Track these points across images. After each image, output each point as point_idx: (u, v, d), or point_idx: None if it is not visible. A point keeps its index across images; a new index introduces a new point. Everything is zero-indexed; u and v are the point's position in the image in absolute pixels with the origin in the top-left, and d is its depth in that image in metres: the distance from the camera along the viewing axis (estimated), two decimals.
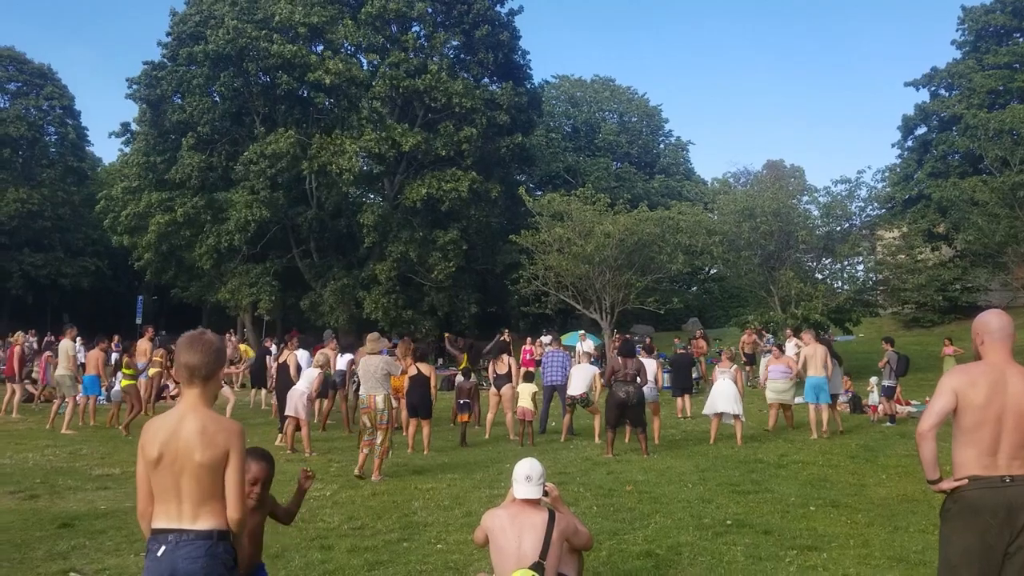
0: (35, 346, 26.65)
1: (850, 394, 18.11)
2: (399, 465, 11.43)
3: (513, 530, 4.53)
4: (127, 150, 40.62)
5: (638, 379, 12.21)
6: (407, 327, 33.47)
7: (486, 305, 39.06)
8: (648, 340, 23.92)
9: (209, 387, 3.42)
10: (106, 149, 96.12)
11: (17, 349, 18.14)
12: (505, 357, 15.07)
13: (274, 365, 16.26)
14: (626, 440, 13.06)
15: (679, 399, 17.71)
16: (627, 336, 18.62)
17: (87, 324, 39.42)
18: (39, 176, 47.89)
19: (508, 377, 14.62)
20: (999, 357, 4.10)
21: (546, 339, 23.78)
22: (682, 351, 20.41)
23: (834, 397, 14.66)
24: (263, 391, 18.85)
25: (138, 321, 37.28)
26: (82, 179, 51.07)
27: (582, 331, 26.95)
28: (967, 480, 3.98)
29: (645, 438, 12.22)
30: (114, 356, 24.69)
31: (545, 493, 4.69)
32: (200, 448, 3.25)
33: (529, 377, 14.49)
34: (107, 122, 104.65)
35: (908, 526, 7.67)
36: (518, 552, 4.46)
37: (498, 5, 37.15)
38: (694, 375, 22.38)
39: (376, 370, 10.45)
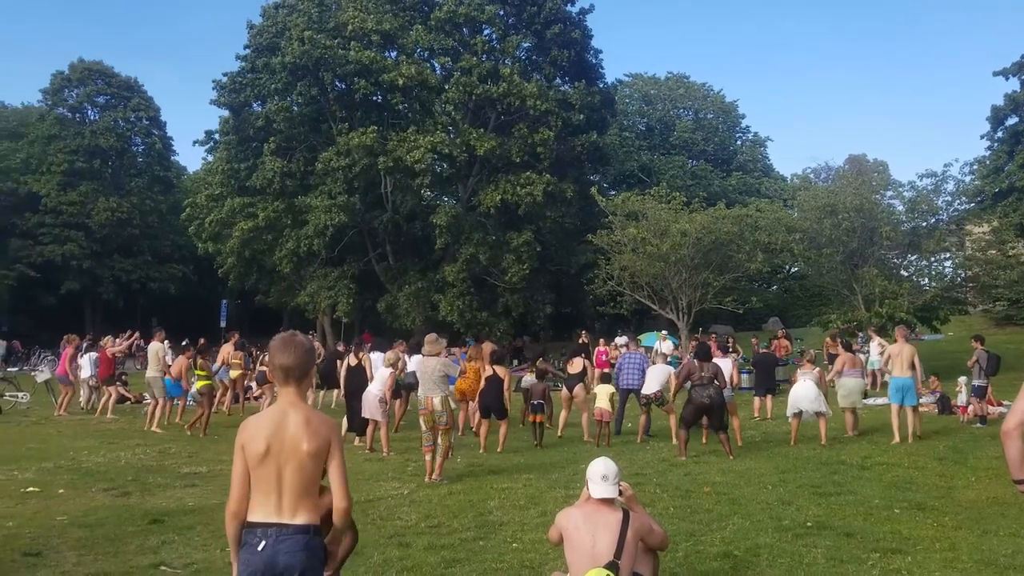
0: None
1: (938, 394, 17.55)
2: (475, 465, 11.53)
3: (588, 529, 4.54)
4: (210, 158, 41.90)
5: (715, 381, 11.97)
6: (482, 329, 33.68)
7: (561, 306, 39.03)
8: (729, 340, 23.62)
9: (304, 385, 3.55)
10: (190, 158, 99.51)
11: (107, 352, 18.78)
12: (577, 358, 14.97)
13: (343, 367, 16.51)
14: (703, 442, 12.88)
15: (759, 399, 17.39)
16: (701, 338, 18.33)
17: (175, 328, 40.74)
18: (128, 185, 49.88)
19: (580, 377, 14.50)
20: None
21: (621, 340, 23.59)
22: (765, 350, 19.95)
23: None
24: (334, 392, 19.03)
25: (222, 325, 38.40)
26: (168, 188, 52.93)
27: (663, 331, 26.66)
28: None
29: (728, 439, 11.99)
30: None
31: (620, 493, 4.69)
32: (307, 438, 3.38)
33: (606, 378, 14.42)
34: (191, 132, 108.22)
35: (998, 529, 7.39)
36: (593, 551, 4.46)
37: (569, 4, 37.13)
38: (778, 376, 21.99)
39: (433, 372, 10.42)
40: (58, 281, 46.91)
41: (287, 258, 36.19)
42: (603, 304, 32.66)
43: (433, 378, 10.39)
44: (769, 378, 17.74)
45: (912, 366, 13.22)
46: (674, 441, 13.12)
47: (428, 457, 10.35)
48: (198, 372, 15.64)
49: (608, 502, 4.60)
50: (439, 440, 10.31)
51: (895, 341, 14.14)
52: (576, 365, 14.80)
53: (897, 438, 12.94)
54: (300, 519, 3.35)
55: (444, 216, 33.57)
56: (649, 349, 21.72)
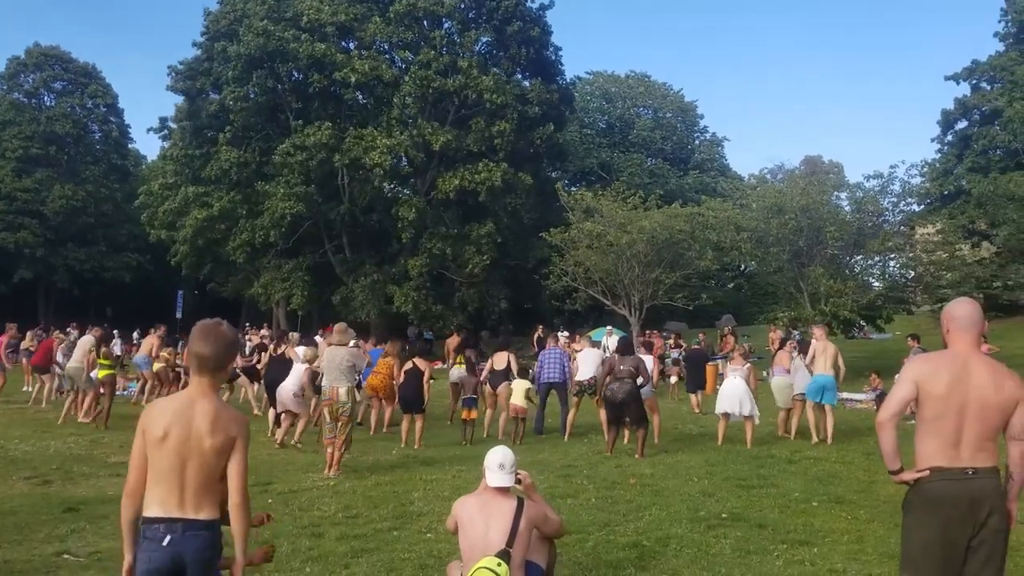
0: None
1: (878, 391, 17.84)
2: (409, 457, 11.51)
3: (481, 518, 4.57)
4: (166, 145, 41.36)
5: (638, 378, 11.66)
6: (437, 322, 33.66)
7: (519, 301, 39.05)
8: (672, 336, 23.69)
9: (218, 377, 3.50)
10: (148, 146, 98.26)
11: (51, 342, 18.43)
12: (504, 353, 14.42)
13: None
14: (625, 441, 12.65)
15: (693, 395, 17.46)
16: (628, 335, 18.21)
17: (130, 318, 40.32)
18: (83, 173, 49.10)
19: (505, 374, 13.94)
20: (963, 346, 4.02)
21: (564, 335, 23.59)
22: (696, 346, 20.11)
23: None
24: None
25: (178, 316, 37.99)
26: (124, 176, 52.24)
27: (609, 327, 26.81)
28: (929, 472, 3.92)
29: (644, 435, 11.62)
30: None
31: (518, 481, 4.71)
32: (211, 433, 3.32)
33: (524, 373, 14.12)
34: (149, 120, 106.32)
35: None
36: (485, 539, 4.49)
37: (528, 0, 37.10)
38: (721, 371, 22.23)
39: (341, 361, 10.31)
40: (11, 269, 46.11)
41: (241, 248, 35.80)
42: (559, 300, 32.78)
43: (340, 368, 10.27)
44: (698, 374, 17.82)
45: (835, 365, 12.90)
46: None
47: (329, 450, 10.10)
48: (101, 361, 14.98)
49: (504, 491, 4.62)
50: (338, 432, 10.04)
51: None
52: (501, 360, 14.24)
53: (816, 438, 12.65)
54: (205, 515, 3.31)
55: (410, 209, 33.32)
56: (597, 344, 21.81)
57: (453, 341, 25.19)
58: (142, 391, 18.63)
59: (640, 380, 11.67)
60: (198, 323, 3.56)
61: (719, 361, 22.49)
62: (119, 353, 24.28)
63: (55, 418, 15.44)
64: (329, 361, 10.45)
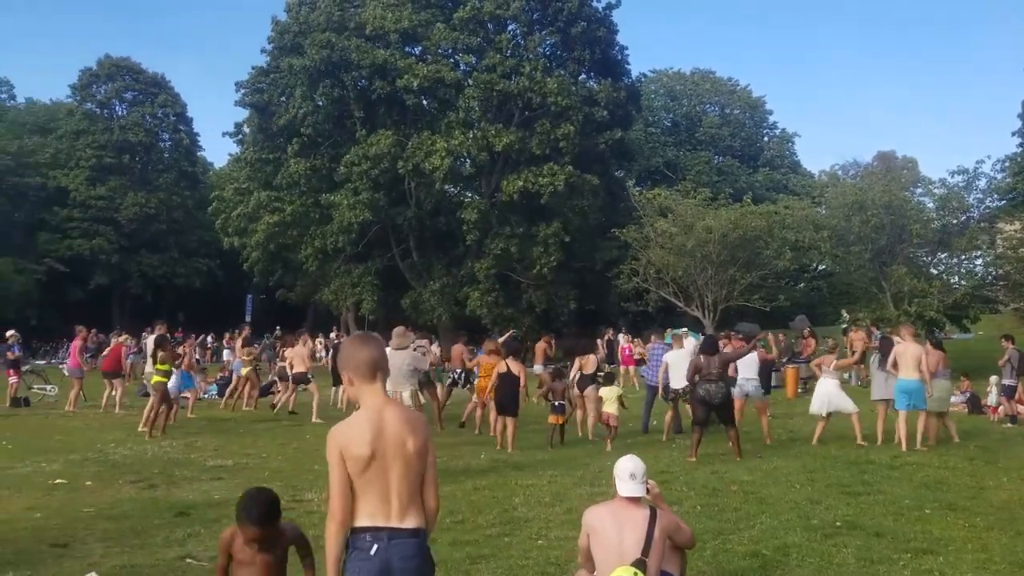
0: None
1: (968, 394, 17.33)
2: (498, 461, 11.50)
3: (615, 527, 4.52)
4: (238, 150, 42.18)
5: (724, 377, 11.66)
6: (508, 324, 33.70)
7: (584, 302, 38.90)
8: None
9: (384, 380, 3.46)
10: (215, 154, 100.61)
11: (119, 347, 18.72)
12: (592, 357, 14.42)
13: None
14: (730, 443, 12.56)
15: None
16: (712, 334, 17.84)
17: (201, 322, 41.27)
18: (155, 181, 50.37)
19: (593, 378, 13.93)
20: None
21: (655, 337, 23.46)
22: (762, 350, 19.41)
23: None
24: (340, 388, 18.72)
25: (247, 319, 38.71)
26: (195, 183, 53.41)
27: (684, 328, 26.50)
28: None
29: (737, 438, 11.58)
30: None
31: (647, 491, 4.64)
32: (412, 437, 3.29)
33: (611, 379, 14.02)
34: (216, 127, 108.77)
35: None
36: (620, 549, 4.43)
37: (594, 0, 36.94)
38: (803, 374, 21.76)
39: (403, 365, 10.30)
40: (87, 276, 47.40)
41: (313, 256, 36.36)
42: (628, 301, 32.54)
43: (403, 372, 10.27)
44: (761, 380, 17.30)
45: (919, 368, 12.15)
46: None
47: None
48: (158, 367, 14.47)
49: (635, 500, 4.57)
50: None
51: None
52: (590, 364, 14.18)
53: (905, 447, 11.98)
54: (410, 523, 3.24)
55: (473, 211, 33.53)
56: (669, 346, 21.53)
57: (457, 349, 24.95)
58: (221, 394, 18.95)
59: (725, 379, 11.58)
60: (351, 337, 3.56)
61: (801, 364, 22.05)
62: (198, 356, 24.80)
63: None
64: (391, 366, 10.34)
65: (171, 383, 14.84)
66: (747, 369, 13.42)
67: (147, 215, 48.25)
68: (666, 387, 13.96)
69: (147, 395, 20.32)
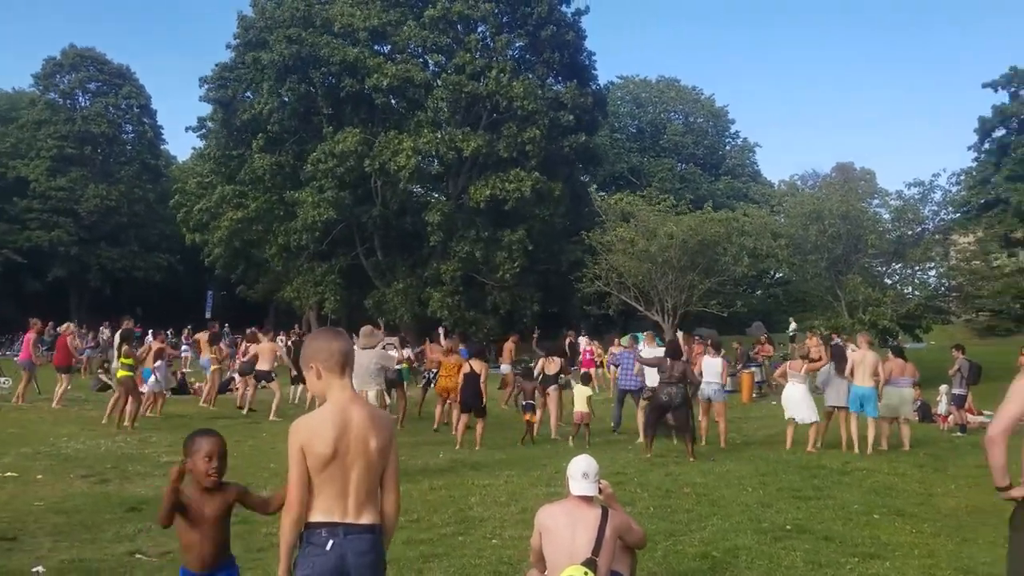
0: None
1: (919, 403, 17.65)
2: (457, 461, 11.51)
3: (567, 526, 4.54)
4: (201, 144, 41.75)
5: (683, 382, 11.95)
6: (470, 326, 33.68)
7: (548, 305, 39.04)
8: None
9: (351, 376, 3.43)
10: (179, 148, 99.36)
11: (67, 340, 18.38)
12: (556, 358, 14.79)
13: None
14: (675, 442, 12.85)
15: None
16: (675, 338, 18.05)
17: (160, 318, 40.70)
18: (117, 173, 49.66)
19: (556, 378, 14.32)
20: None
21: (625, 341, 23.62)
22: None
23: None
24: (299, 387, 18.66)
25: (207, 315, 38.31)
26: (157, 176, 52.73)
27: (649, 332, 26.68)
28: None
29: (692, 441, 11.94)
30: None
31: (599, 490, 4.69)
32: (375, 436, 3.26)
33: (585, 379, 14.30)
34: (180, 121, 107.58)
35: (977, 538, 7.42)
36: (571, 548, 4.46)
37: (564, 5, 37.11)
38: (757, 379, 22.10)
39: (370, 364, 10.30)
40: (45, 267, 46.65)
41: (277, 253, 36.10)
42: (590, 304, 32.75)
43: (369, 371, 10.28)
44: None
45: (875, 375, 12.71)
46: (675, 441, 13.06)
47: None
48: (122, 361, 14.46)
49: (587, 499, 4.60)
50: None
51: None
52: (554, 365, 14.57)
53: (856, 449, 12.52)
54: (366, 519, 3.23)
55: (437, 213, 33.53)
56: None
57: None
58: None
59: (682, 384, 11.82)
60: (318, 330, 3.53)
61: (755, 369, 22.38)
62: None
63: (99, 416, 15.57)
64: (357, 364, 10.41)
65: (152, 381, 15.40)
66: (711, 374, 13.64)
67: (108, 207, 47.55)
68: (642, 387, 14.16)
69: (102, 390, 20.26)
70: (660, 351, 14.18)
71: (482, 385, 12.87)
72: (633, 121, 56.54)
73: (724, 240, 26.99)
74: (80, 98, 50.96)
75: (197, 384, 20.36)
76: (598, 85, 40.62)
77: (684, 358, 12.97)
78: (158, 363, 15.90)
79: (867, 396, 12.63)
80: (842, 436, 13.02)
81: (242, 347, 20.53)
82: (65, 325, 19.72)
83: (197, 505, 3.80)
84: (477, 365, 13.03)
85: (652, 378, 13.51)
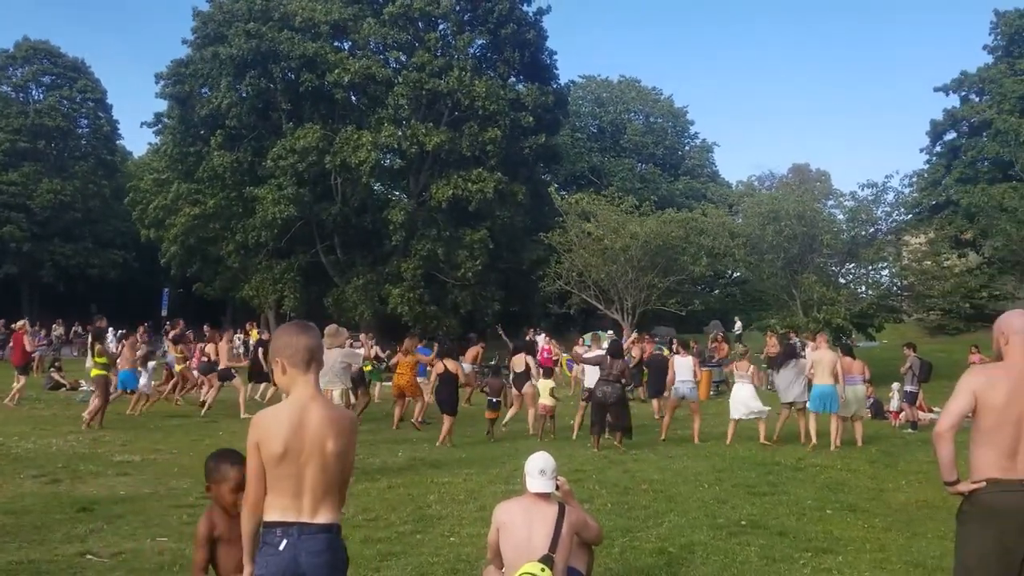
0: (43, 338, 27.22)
1: (871, 400, 17.94)
2: (416, 459, 11.48)
3: (524, 523, 4.55)
4: (157, 141, 41.09)
5: (621, 380, 12.54)
6: (430, 323, 33.58)
7: (509, 303, 39.05)
8: (674, 341, 23.70)
9: (317, 373, 3.38)
10: (135, 143, 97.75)
11: (20, 335, 17.91)
12: (522, 356, 14.95)
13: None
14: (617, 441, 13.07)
15: (655, 400, 16.98)
16: (618, 339, 18.16)
17: (115, 315, 39.97)
18: (71, 168, 48.63)
19: (526, 376, 14.59)
20: (1021, 358, 4.02)
21: (588, 339, 23.68)
22: (657, 352, 19.73)
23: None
24: (262, 385, 18.48)
25: (163, 313, 37.72)
26: (113, 172, 51.73)
27: (608, 331, 26.84)
28: (985, 483, 3.91)
29: (623, 439, 12.56)
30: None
31: (557, 487, 4.70)
32: (333, 438, 3.21)
33: (548, 373, 14.47)
34: (137, 116, 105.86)
35: (927, 532, 7.59)
36: (528, 545, 4.47)
37: (525, 4, 37.13)
38: (715, 378, 22.28)
39: (335, 363, 10.30)
40: None
41: (235, 251, 35.67)
42: (552, 303, 32.86)
43: (335, 369, 10.28)
44: (659, 380, 17.58)
45: (833, 373, 12.97)
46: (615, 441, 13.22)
47: None
48: (96, 359, 14.37)
49: (544, 496, 4.61)
50: None
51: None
52: (520, 363, 14.79)
53: (814, 440, 12.85)
54: (322, 518, 3.19)
55: (400, 213, 33.39)
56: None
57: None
58: (174, 389, 18.37)
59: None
60: (287, 324, 3.48)
61: (712, 368, 22.56)
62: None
63: (51, 415, 15.31)
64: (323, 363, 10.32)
65: (143, 382, 15.52)
66: (683, 372, 13.78)
67: (61, 203, 46.51)
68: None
69: (54, 388, 19.87)
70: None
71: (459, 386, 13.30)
72: (594, 121, 56.71)
73: (682, 240, 27.26)
74: (33, 91, 49.84)
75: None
76: (559, 84, 40.71)
77: (627, 358, 13.43)
78: (151, 364, 15.89)
79: (828, 394, 12.98)
80: (800, 430, 13.33)
81: (197, 348, 20.19)
82: (20, 323, 19.33)
83: (229, 533, 3.77)
84: (452, 365, 13.23)
85: (591, 378, 13.95)
